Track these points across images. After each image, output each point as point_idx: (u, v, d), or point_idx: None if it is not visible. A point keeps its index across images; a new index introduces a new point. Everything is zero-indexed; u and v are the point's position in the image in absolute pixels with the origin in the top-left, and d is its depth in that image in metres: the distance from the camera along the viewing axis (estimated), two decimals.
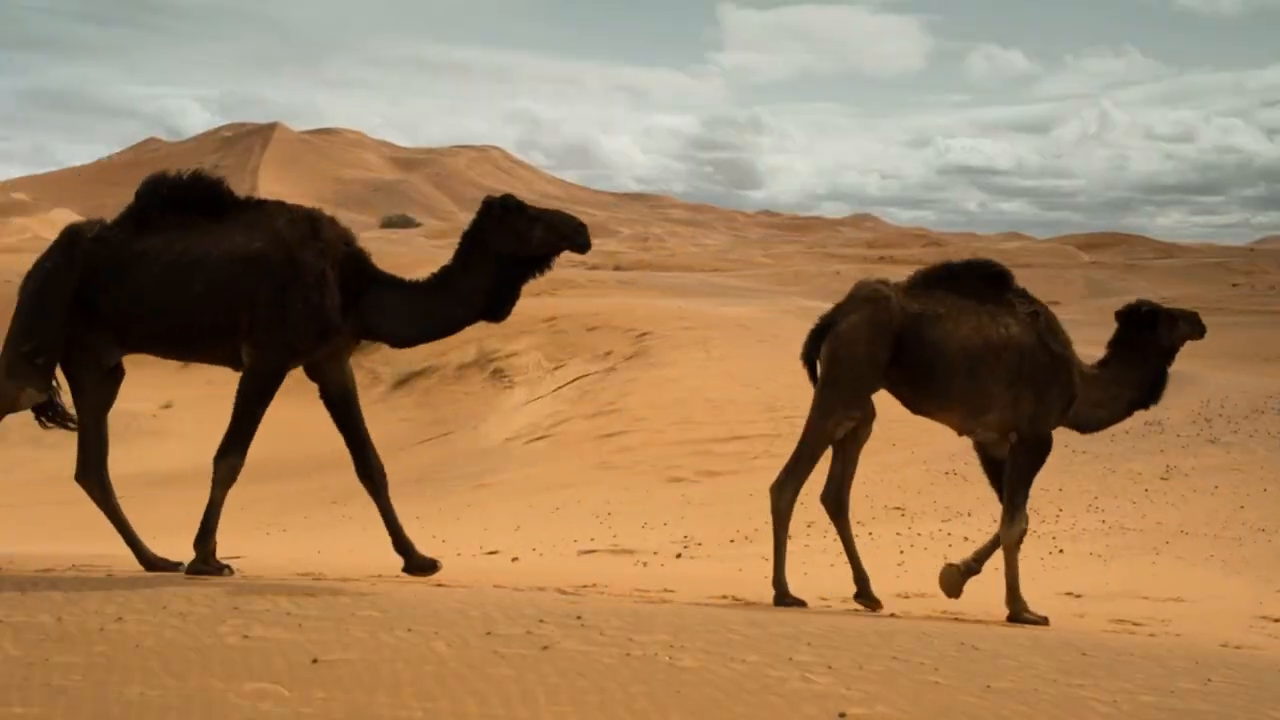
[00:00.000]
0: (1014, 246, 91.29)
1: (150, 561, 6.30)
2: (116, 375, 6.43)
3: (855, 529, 11.10)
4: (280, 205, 6.21)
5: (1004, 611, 6.63)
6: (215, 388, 28.84)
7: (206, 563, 6.04)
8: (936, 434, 16.26)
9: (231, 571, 6.06)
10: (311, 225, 6.09)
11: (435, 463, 19.04)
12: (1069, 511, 11.03)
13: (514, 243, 5.90)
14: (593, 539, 10.99)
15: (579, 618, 4.81)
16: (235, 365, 6.22)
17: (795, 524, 11.48)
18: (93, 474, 6.40)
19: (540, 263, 5.99)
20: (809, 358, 6.71)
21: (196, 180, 6.20)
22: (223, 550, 6.28)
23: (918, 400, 6.69)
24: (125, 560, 6.62)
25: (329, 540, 11.41)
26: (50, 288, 6.05)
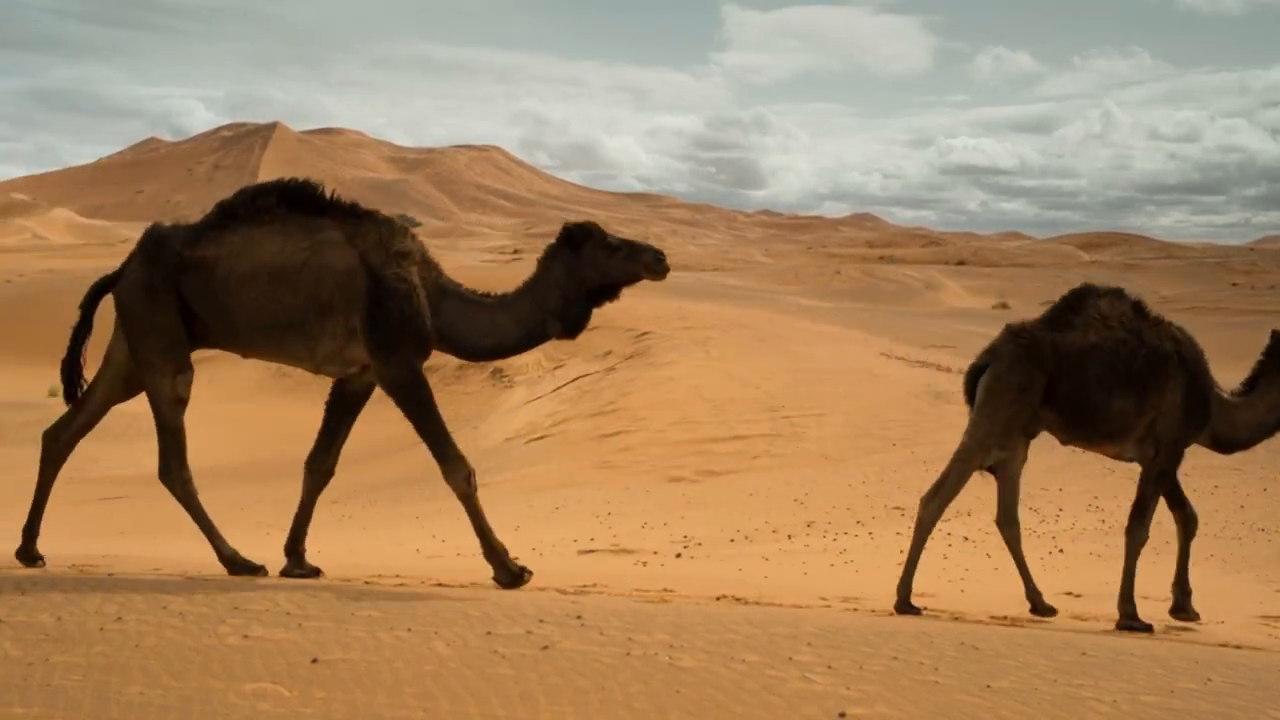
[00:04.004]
0: (1013, 246, 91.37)
1: (232, 563, 6.31)
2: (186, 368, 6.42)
3: (855, 529, 11.12)
4: (372, 216, 6.27)
5: (1004, 612, 6.64)
6: (215, 388, 28.87)
7: (510, 570, 6.24)
8: (936, 434, 16.26)
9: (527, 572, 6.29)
10: (400, 237, 6.19)
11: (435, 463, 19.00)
12: (1069, 511, 11.03)
13: (592, 270, 6.08)
14: (593, 539, 10.99)
15: (579, 618, 4.81)
16: (309, 367, 6.27)
17: (795, 524, 11.51)
18: (177, 474, 6.42)
19: (616, 289, 6.16)
20: (970, 395, 6.90)
21: (292, 184, 6.26)
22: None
23: (1072, 433, 6.86)
24: (125, 560, 6.62)
25: (329, 540, 11.40)
26: (147, 290, 6.11)
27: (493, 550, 6.23)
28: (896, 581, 6.67)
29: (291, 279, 6.01)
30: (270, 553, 6.49)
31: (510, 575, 6.22)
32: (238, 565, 6.20)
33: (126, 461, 21.86)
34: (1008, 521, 7.03)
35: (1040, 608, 6.73)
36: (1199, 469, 11.79)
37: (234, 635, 4.30)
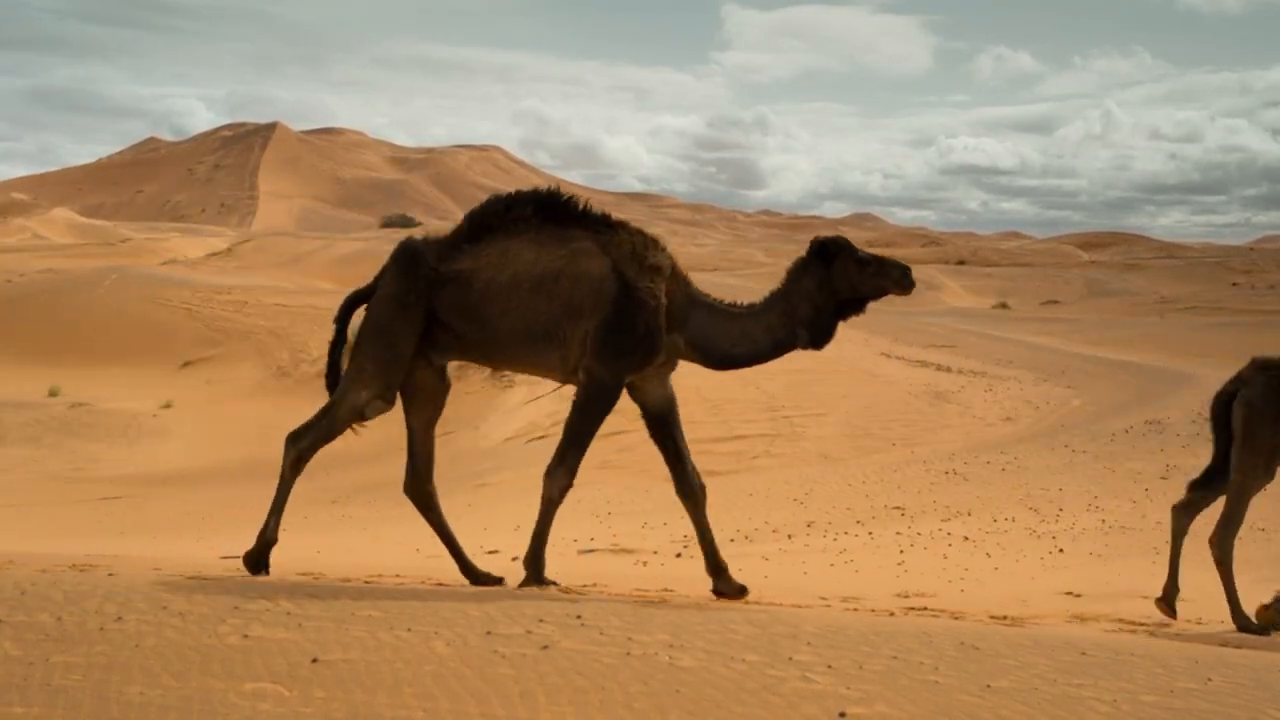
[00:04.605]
0: (1013, 246, 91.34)
1: (475, 576, 6.42)
2: (445, 386, 6.56)
3: (855, 529, 11.12)
4: (624, 226, 6.35)
5: (1004, 612, 6.65)
6: (215, 388, 28.89)
7: (540, 578, 6.22)
8: (936, 434, 16.27)
9: (558, 585, 6.24)
10: (653, 249, 6.27)
11: (436, 462, 19.00)
12: (1069, 511, 11.02)
13: (843, 283, 6.18)
14: (593, 539, 10.99)
15: (579, 618, 4.82)
16: (559, 377, 6.36)
17: (795, 524, 11.51)
18: (421, 487, 6.59)
19: (863, 303, 6.26)
20: (1218, 422, 7.14)
21: (545, 195, 6.35)
22: (222, 550, 6.28)
23: None
24: (125, 560, 6.62)
25: (329, 540, 11.41)
26: (401, 304, 6.18)
27: (536, 558, 6.29)
28: (886, 581, 6.68)
29: (549, 287, 6.09)
30: (271, 552, 6.48)
31: (534, 578, 6.28)
32: (481, 580, 6.37)
33: (127, 461, 21.86)
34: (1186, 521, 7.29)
35: (1171, 606, 6.94)
36: (1199, 469, 11.79)
37: (234, 635, 4.30)
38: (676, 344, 6.26)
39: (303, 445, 6.29)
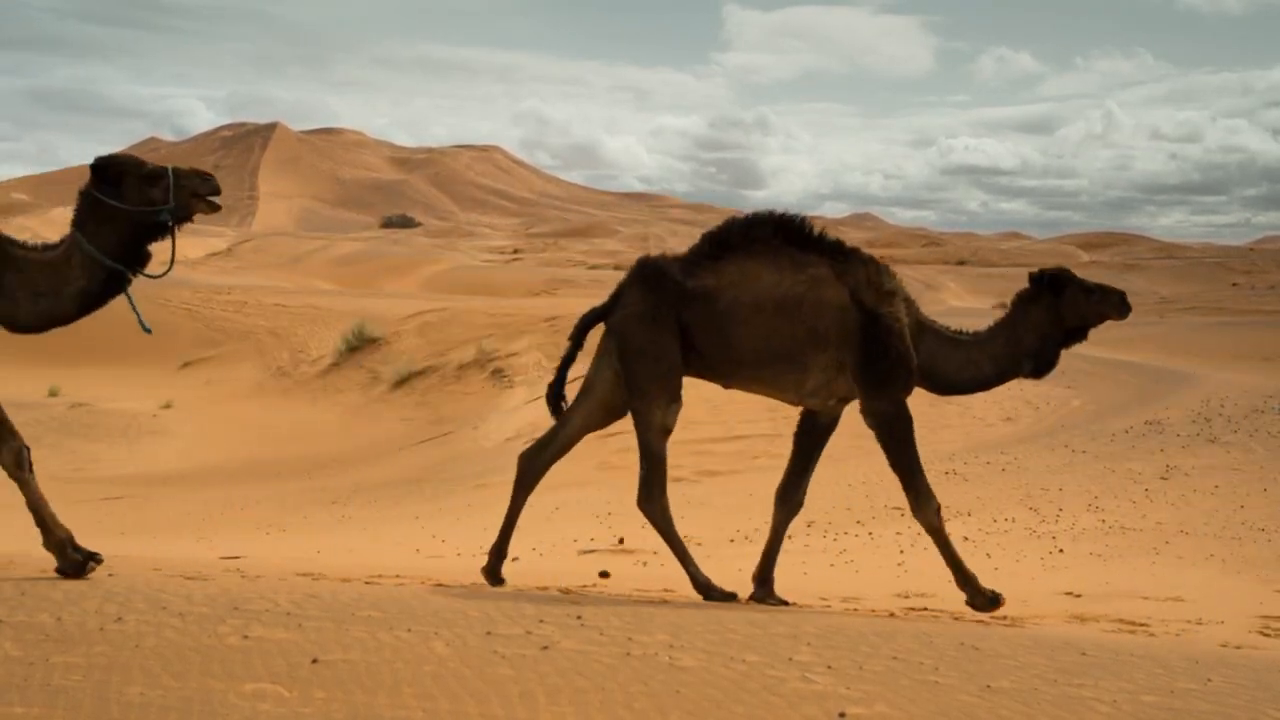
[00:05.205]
0: (1013, 246, 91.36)
1: (707, 589, 6.54)
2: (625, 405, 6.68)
3: (855, 529, 11.11)
4: (857, 253, 6.47)
5: (1004, 612, 6.65)
6: (215, 388, 28.89)
7: (985, 594, 6.40)
8: (936, 434, 16.26)
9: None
10: (885, 275, 6.46)
11: (435, 463, 19.02)
12: (1069, 511, 11.02)
13: (1071, 312, 6.41)
14: (593, 539, 10.99)
15: (579, 618, 4.82)
16: (792, 399, 6.56)
17: (795, 524, 11.48)
18: (540, 461, 6.79)
19: (1086, 330, 6.49)
20: None
21: (785, 218, 6.50)
22: (222, 550, 6.28)
23: None
24: (125, 560, 6.62)
25: (329, 540, 11.41)
26: (652, 319, 6.36)
27: (966, 580, 6.44)
28: (886, 581, 6.71)
29: (793, 311, 6.26)
30: (270, 552, 6.49)
31: (985, 600, 6.42)
32: (713, 593, 6.45)
33: (127, 461, 21.86)
34: None
35: None
36: (1199, 469, 11.80)
37: (234, 635, 4.30)
38: None
39: (656, 494, 6.66)
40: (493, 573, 6.57)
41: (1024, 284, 6.76)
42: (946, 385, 6.61)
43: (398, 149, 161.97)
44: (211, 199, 5.68)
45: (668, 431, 6.48)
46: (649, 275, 6.44)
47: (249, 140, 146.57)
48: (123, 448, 21.78)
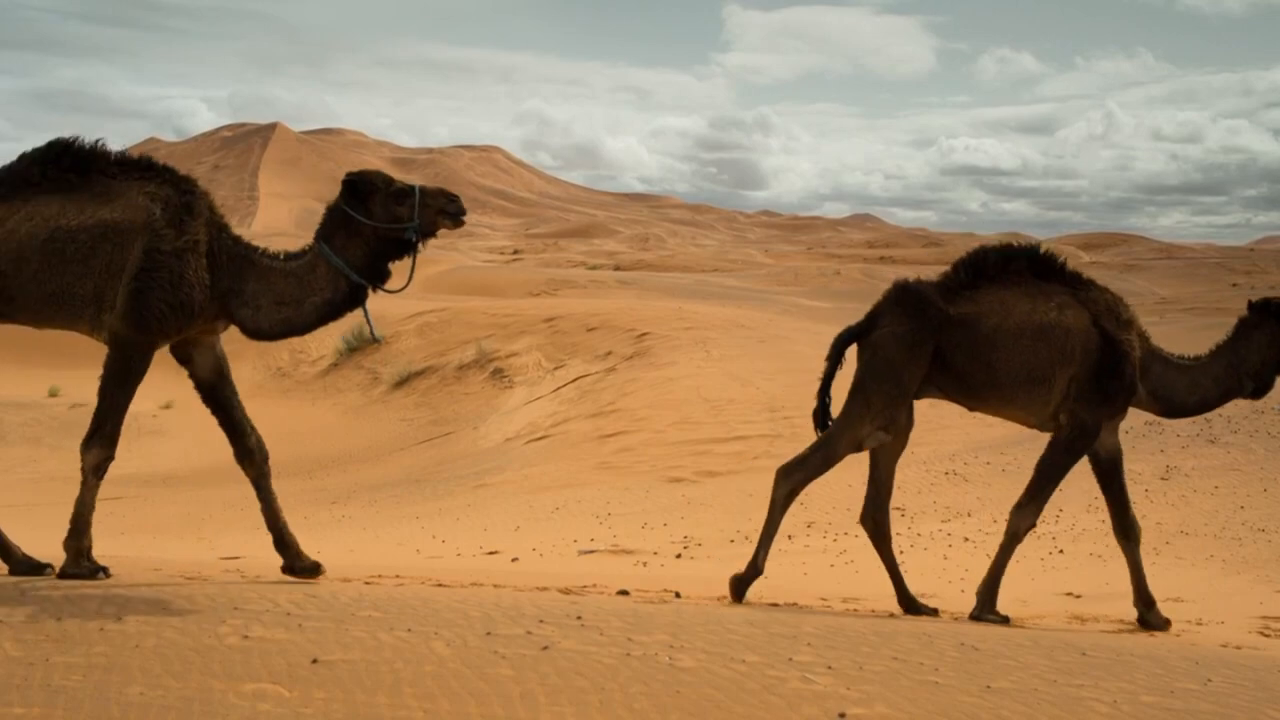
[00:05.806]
0: None
1: (912, 606, 6.65)
2: (913, 423, 6.86)
3: (855, 529, 11.10)
4: (1094, 284, 6.82)
5: (1004, 612, 6.65)
6: None
7: (993, 610, 6.49)
8: (936, 434, 16.25)
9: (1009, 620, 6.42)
10: (1123, 306, 6.80)
11: (435, 463, 19.03)
12: (1069, 511, 11.02)
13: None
14: (593, 539, 10.99)
15: (579, 618, 4.81)
16: (1035, 423, 6.76)
17: (795, 524, 11.50)
18: (878, 515, 6.92)
19: None
20: None
21: (1038, 253, 6.84)
22: (222, 550, 6.27)
23: None
24: (126, 560, 6.62)
25: (329, 540, 11.41)
26: (912, 343, 6.55)
27: (990, 590, 6.55)
28: (886, 581, 6.73)
29: (1048, 336, 6.56)
30: (271, 552, 6.48)
31: (996, 615, 6.47)
32: (915, 608, 6.62)
33: (127, 461, 21.83)
34: None
35: None
36: (1199, 469, 11.80)
37: (234, 635, 4.30)
38: (1140, 394, 6.77)
39: (797, 479, 6.78)
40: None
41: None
42: (1177, 408, 6.94)
43: (398, 149, 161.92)
44: (458, 217, 5.80)
45: (859, 449, 6.71)
46: (910, 299, 6.66)
47: (249, 140, 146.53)
48: (122, 448, 21.73)
